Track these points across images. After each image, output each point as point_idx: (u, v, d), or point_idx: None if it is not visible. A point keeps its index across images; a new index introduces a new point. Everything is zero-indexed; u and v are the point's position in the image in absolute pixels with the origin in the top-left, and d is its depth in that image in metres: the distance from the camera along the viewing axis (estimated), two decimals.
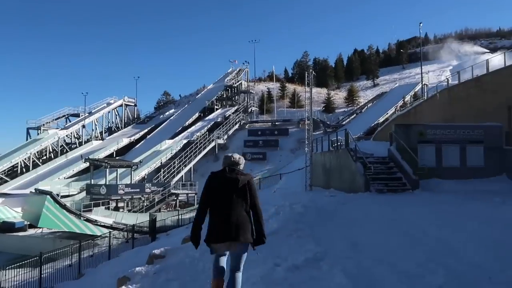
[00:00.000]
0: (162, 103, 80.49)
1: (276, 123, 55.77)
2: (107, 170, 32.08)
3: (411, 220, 7.69)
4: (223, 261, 3.59)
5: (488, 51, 78.97)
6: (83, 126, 54.36)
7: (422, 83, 49.78)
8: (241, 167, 3.70)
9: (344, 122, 51.93)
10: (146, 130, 56.10)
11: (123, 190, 30.60)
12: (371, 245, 5.76)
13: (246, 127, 55.03)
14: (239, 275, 3.56)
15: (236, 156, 3.73)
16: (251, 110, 62.93)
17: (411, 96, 53.73)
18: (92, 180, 33.19)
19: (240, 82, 67.45)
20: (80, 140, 53.58)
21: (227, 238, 3.43)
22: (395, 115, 37.54)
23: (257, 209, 3.55)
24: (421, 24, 50.01)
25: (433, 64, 78.70)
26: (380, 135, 25.99)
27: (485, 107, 17.85)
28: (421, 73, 48.59)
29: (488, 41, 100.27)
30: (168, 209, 32.98)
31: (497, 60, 20.79)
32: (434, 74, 66.98)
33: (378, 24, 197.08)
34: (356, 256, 5.12)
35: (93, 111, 58.23)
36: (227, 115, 57.16)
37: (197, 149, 44.03)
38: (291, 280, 4.24)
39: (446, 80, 26.77)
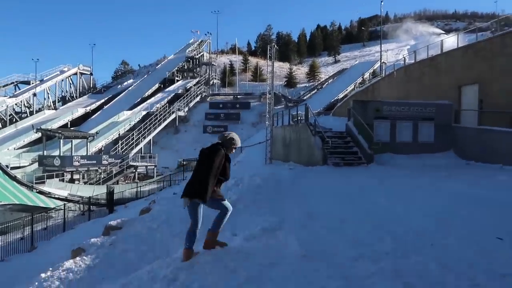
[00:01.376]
0: (120, 73, 77.63)
1: (238, 96, 55.47)
2: (61, 141, 30.83)
3: (364, 192, 8.05)
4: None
5: (444, 32, 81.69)
6: (34, 95, 51.40)
7: (381, 61, 50.94)
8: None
9: (305, 97, 52.52)
10: (103, 100, 53.97)
11: (78, 162, 29.61)
12: (325, 215, 5.99)
13: (208, 99, 54.36)
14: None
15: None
16: (213, 82, 62.02)
17: (370, 73, 55.01)
18: (45, 152, 31.82)
19: (202, 53, 65.97)
20: (31, 109, 50.75)
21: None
22: (354, 91, 38.42)
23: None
24: (382, 3, 50.67)
25: (392, 43, 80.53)
26: (339, 110, 26.58)
27: (438, 86, 18.65)
28: (380, 51, 49.62)
29: (444, 23, 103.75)
30: (126, 181, 32.40)
31: (451, 42, 21.60)
32: (393, 53, 68.71)
33: (341, 1, 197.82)
34: (310, 226, 5.31)
35: (45, 79, 55.03)
36: (188, 87, 56.06)
37: (156, 121, 43.10)
38: (248, 249, 4.34)
39: (403, 59, 27.57)
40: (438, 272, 3.46)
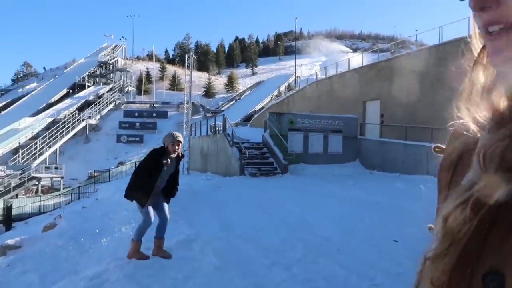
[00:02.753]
0: (21, 75, 70.72)
1: (154, 105, 53.97)
2: None
3: (278, 201, 8.36)
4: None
5: (351, 50, 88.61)
6: None
7: (295, 75, 53.49)
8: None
9: (223, 108, 52.95)
10: (0, 105, 48.72)
11: None
12: (241, 225, 6.11)
13: (122, 107, 52.00)
14: None
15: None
16: (128, 90, 59.56)
17: (285, 86, 57.40)
18: None
19: (116, 59, 63.09)
20: None
21: None
22: (270, 103, 39.74)
23: None
24: (296, 19, 53.63)
25: (306, 58, 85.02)
26: (256, 121, 27.28)
27: (346, 100, 20.16)
28: (295, 65, 52.16)
29: (351, 42, 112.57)
30: (28, 195, 29.45)
31: (357, 60, 23.55)
32: (306, 68, 72.54)
33: (259, 15, 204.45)
34: (226, 236, 5.38)
35: None
36: (100, 94, 53.08)
37: (64, 129, 40.01)
38: (163, 262, 4.25)
39: (315, 74, 29.33)
40: (343, 275, 3.74)
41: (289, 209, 7.25)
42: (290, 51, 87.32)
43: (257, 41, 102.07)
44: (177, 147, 4.58)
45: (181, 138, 4.72)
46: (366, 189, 9.83)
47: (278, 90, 54.44)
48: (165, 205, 4.65)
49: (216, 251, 4.54)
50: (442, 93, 11.73)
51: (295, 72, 53.15)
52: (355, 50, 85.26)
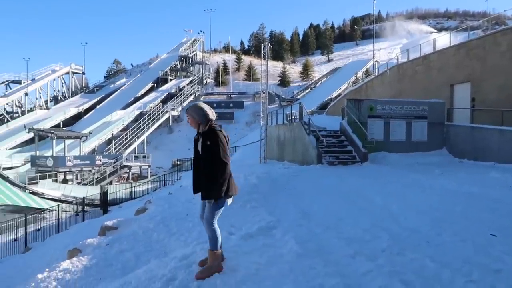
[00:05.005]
0: (112, 72, 77.20)
1: (231, 95, 55.49)
2: (54, 141, 30.60)
3: (358, 190, 8.11)
4: None
5: (436, 31, 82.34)
6: (26, 94, 50.95)
7: (374, 59, 51.24)
8: None
9: (298, 96, 52.67)
10: (95, 100, 53.70)
11: (71, 162, 29.43)
12: (321, 213, 6.03)
13: (201, 99, 54.29)
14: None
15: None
16: (206, 82, 61.94)
17: (363, 72, 55.31)
18: (38, 152, 31.57)
19: (195, 52, 65.87)
20: (22, 109, 50.31)
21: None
22: (347, 90, 38.59)
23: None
24: (374, 1, 50.96)
25: (385, 42, 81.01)
26: (333, 109, 26.72)
27: (430, 84, 18.82)
28: (373, 50, 49.89)
29: (436, 21, 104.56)
30: (120, 181, 32.26)
31: (443, 40, 21.79)
32: (386, 51, 69.13)
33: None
34: (307, 224, 5.35)
35: (36, 78, 54.58)
36: (181, 86, 55.95)
37: (150, 120, 42.95)
38: (245, 248, 4.36)
39: (396, 57, 27.75)
40: (434, 269, 3.51)
41: (371, 199, 6.98)
42: (368, 35, 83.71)
43: (332, 26, 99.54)
44: (188, 121, 3.63)
45: (190, 109, 3.59)
46: (455, 179, 9.11)
47: (356, 76, 52.63)
48: (205, 202, 3.60)
49: (298, 238, 4.53)
50: None
51: (374, 57, 50.92)
52: (440, 30, 79.12)
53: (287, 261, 3.86)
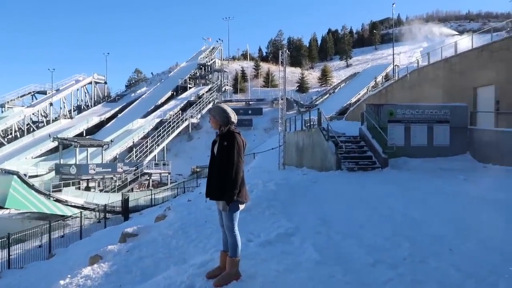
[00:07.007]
0: (133, 81, 78.66)
1: (250, 102, 55.67)
2: (77, 149, 31.29)
3: (379, 197, 7.96)
4: None
5: (457, 33, 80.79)
6: (51, 104, 52.39)
7: (393, 64, 50.57)
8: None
9: (317, 102, 52.40)
10: (117, 109, 54.75)
11: (94, 169, 30.02)
12: (340, 220, 5.95)
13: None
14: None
15: None
16: (225, 89, 62.39)
17: (382, 76, 54.65)
18: (62, 160, 32.35)
19: (213, 60, 66.48)
20: (47, 119, 51.71)
21: None
22: (366, 95, 38.17)
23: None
24: (394, 5, 50.43)
25: (405, 46, 79.96)
26: (352, 114, 26.44)
27: (452, 88, 18.42)
28: (393, 54, 49.31)
29: (457, 24, 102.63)
30: (141, 189, 32.69)
31: (465, 43, 21.34)
32: (406, 55, 68.17)
33: (352, 4, 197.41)
34: (326, 231, 5.28)
35: (60, 89, 56.07)
36: (200, 94, 56.49)
37: (170, 128, 43.48)
38: (264, 255, 4.33)
39: (417, 61, 27.32)
40: (458, 278, 3.40)
41: (392, 205, 6.85)
42: (387, 39, 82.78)
43: (350, 31, 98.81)
44: (209, 121, 3.69)
45: (213, 110, 3.67)
46: (480, 184, 8.85)
47: (375, 81, 52.05)
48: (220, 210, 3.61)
49: (316, 246, 4.48)
50: None
51: (393, 61, 50.24)
52: (462, 33, 77.54)
53: (306, 269, 3.81)
